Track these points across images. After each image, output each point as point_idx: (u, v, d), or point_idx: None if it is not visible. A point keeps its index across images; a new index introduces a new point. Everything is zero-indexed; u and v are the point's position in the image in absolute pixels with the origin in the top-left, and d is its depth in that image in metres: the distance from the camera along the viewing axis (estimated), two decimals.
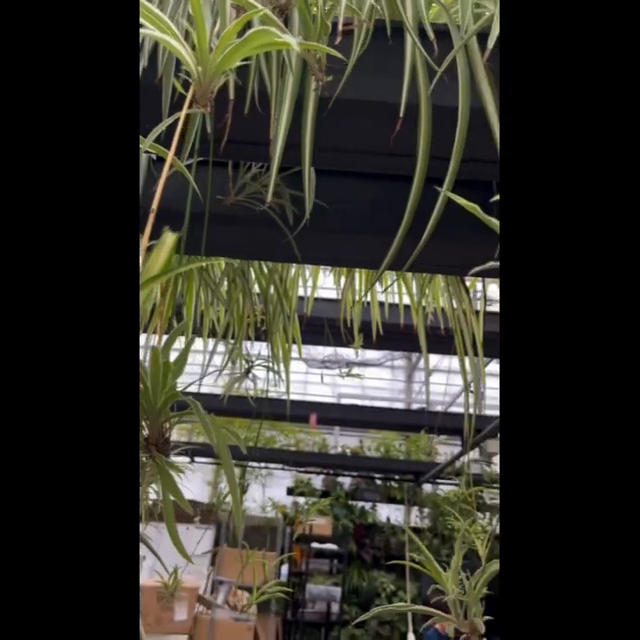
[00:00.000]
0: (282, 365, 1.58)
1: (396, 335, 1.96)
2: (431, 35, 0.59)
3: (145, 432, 0.37)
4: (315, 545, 5.88)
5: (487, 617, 0.69)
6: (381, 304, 1.84)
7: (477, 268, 0.62)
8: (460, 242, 0.86)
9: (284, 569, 5.43)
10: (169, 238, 0.29)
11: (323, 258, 1.20)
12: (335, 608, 4.56)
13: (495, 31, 0.56)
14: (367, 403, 8.07)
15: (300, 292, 1.68)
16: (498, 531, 0.85)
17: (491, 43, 0.58)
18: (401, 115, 0.54)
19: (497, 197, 0.43)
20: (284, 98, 0.52)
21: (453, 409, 5.90)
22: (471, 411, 1.14)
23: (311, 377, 6.87)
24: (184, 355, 0.38)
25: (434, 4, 0.66)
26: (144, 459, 0.37)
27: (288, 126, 0.53)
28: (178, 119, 0.38)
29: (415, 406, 8.52)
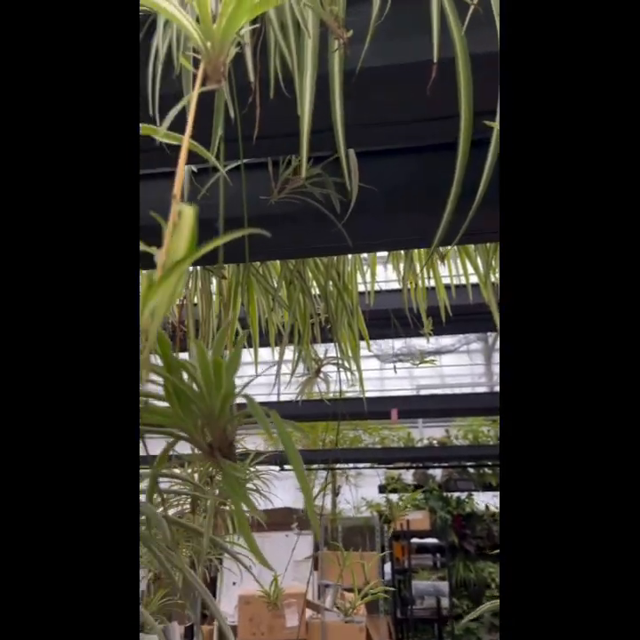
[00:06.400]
0: (353, 363, 1.54)
1: (467, 316, 1.88)
2: None
3: (207, 438, 0.35)
4: (415, 540, 5.79)
5: None
6: (448, 287, 1.76)
7: None
8: None
9: (387, 567, 5.36)
10: (186, 211, 0.27)
11: (374, 243, 1.16)
12: (445, 602, 4.45)
13: None
14: (448, 391, 7.88)
15: (361, 287, 1.64)
16: None
17: None
18: (435, 60, 0.50)
19: None
20: (303, 67, 0.49)
21: None
22: None
23: (387, 372, 6.80)
24: (237, 351, 0.35)
25: None
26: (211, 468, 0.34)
27: (312, 99, 0.50)
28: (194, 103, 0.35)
29: (497, 389, 8.23)
